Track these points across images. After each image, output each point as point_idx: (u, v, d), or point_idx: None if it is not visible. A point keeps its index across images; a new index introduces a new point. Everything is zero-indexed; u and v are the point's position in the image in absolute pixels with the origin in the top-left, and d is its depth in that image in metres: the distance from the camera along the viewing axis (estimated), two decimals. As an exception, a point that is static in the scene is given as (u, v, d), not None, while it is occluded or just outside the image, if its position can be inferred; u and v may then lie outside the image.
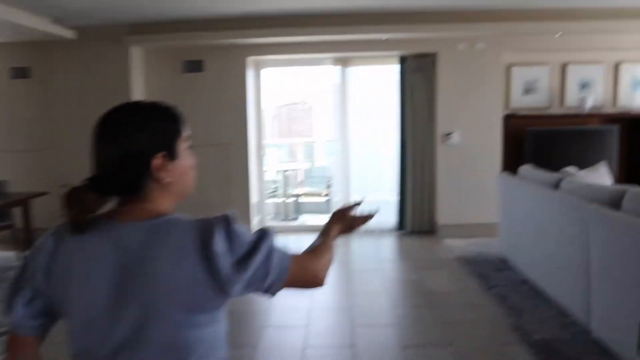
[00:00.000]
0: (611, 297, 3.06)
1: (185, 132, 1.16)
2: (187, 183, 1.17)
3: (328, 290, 4.11)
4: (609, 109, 6.18)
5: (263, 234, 1.11)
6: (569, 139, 5.91)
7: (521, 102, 6.15)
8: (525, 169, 4.74)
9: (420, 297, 4.16)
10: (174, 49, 5.93)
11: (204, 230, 1.04)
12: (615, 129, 5.91)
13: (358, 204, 1.55)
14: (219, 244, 1.03)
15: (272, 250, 1.10)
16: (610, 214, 3.09)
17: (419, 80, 6.00)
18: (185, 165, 1.15)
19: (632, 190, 3.12)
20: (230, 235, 1.05)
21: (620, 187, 3.25)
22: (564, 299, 3.68)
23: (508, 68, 6.07)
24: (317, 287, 1.24)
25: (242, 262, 1.05)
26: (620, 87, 6.18)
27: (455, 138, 5.89)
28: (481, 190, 5.95)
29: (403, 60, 6.00)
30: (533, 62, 6.12)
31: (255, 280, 1.08)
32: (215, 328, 1.10)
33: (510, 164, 5.99)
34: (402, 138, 6.13)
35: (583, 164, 5.84)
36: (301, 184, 8.11)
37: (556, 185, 4.02)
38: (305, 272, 1.20)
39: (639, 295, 2.78)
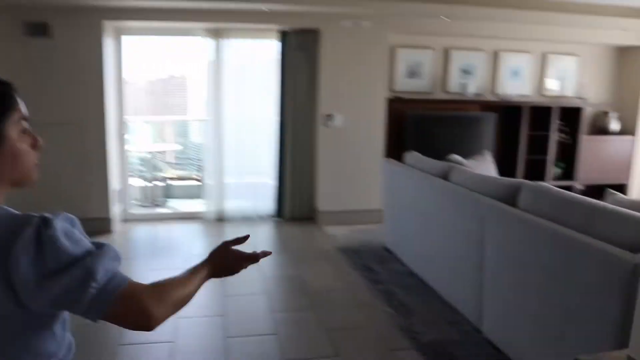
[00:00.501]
0: (504, 296, 2.86)
1: (18, 110, 1.03)
2: (20, 169, 1.05)
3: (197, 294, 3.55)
4: (489, 97, 6.21)
5: (92, 251, 0.98)
6: (449, 124, 5.85)
7: (405, 85, 5.96)
8: (412, 156, 4.51)
9: (302, 297, 3.75)
10: (9, 6, 4.87)
11: (12, 231, 0.93)
12: (493, 117, 5.94)
13: (245, 238, 1.40)
14: (22, 250, 0.91)
15: (95, 271, 0.95)
16: (507, 209, 2.88)
17: (300, 58, 5.56)
18: (17, 149, 1.02)
19: (528, 185, 2.94)
20: (41, 243, 0.92)
21: (516, 181, 3.06)
22: (454, 296, 3.47)
23: (393, 50, 5.84)
24: (146, 330, 1.04)
25: (49, 277, 0.92)
26: (499, 75, 6.23)
27: (338, 120, 5.55)
28: (364, 176, 5.70)
29: (284, 36, 5.51)
30: (418, 45, 5.95)
31: (66, 301, 0.95)
32: (35, 342, 0.98)
33: (393, 148, 5.80)
34: (282, 118, 5.67)
35: (462, 150, 5.80)
36: (172, 166, 7.36)
37: (445, 175, 3.80)
38: (136, 307, 1.01)
39: (533, 295, 2.59)
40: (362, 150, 5.66)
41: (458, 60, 6.06)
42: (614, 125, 6.51)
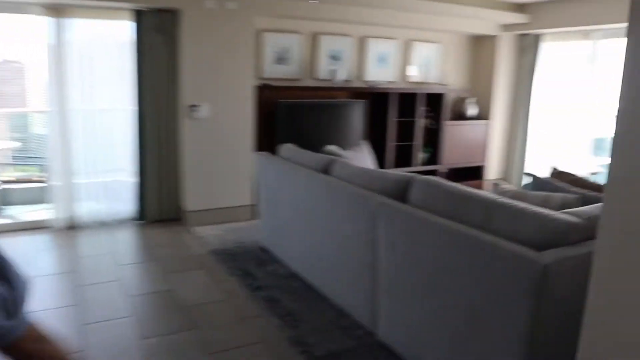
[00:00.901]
0: (400, 298, 2.71)
1: None
2: None
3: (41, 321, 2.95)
4: (357, 83, 6.13)
5: None
6: (320, 112, 5.66)
7: (274, 71, 5.65)
8: (287, 149, 4.22)
9: (177, 316, 3.30)
10: None
11: None
12: (362, 104, 5.87)
13: None
14: None
15: None
16: (398, 206, 2.72)
17: (159, 41, 4.98)
18: None
19: (419, 179, 2.79)
20: None
21: (406, 175, 2.90)
22: (345, 299, 3.27)
23: (260, 34, 5.48)
24: None
25: None
26: (367, 61, 6.16)
27: (203, 110, 5.08)
28: (234, 170, 5.31)
29: (139, 16, 4.89)
30: (285, 29, 5.65)
31: None
32: None
33: (265, 139, 5.48)
34: (140, 109, 5.06)
35: (335, 139, 5.66)
36: (7, 167, 6.34)
37: (326, 169, 3.58)
38: None
39: (432, 296, 2.46)
40: (231, 142, 5.26)
41: (326, 45, 5.88)
42: (472, 110, 6.81)
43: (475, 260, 2.21)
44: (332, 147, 4.10)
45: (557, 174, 3.26)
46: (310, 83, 5.84)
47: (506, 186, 2.94)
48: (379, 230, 2.79)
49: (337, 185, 3.24)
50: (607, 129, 6.78)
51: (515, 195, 2.83)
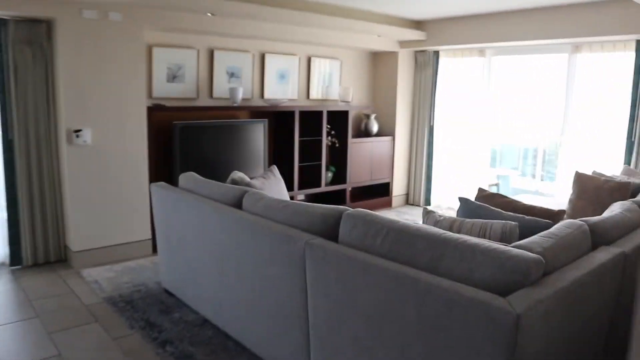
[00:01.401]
0: (341, 351, 2.39)
1: None
2: None
3: None
4: (258, 102, 5.78)
5: None
6: (220, 134, 5.24)
7: (167, 91, 5.15)
8: (188, 178, 3.76)
9: (66, 387, 2.73)
10: None
11: None
12: (264, 123, 5.53)
13: None
14: None
15: None
16: (330, 246, 2.40)
17: (29, 56, 4.29)
18: None
19: (350, 214, 2.50)
20: None
21: (335, 209, 2.60)
22: (268, 351, 2.88)
23: (151, 49, 4.96)
24: None
25: None
26: (267, 78, 5.84)
27: (87, 135, 4.45)
28: (128, 201, 4.71)
29: (4, 25, 4.18)
30: (179, 44, 5.18)
31: None
32: None
33: (161, 166, 4.95)
34: (7, 134, 4.32)
35: (239, 163, 5.28)
36: None
37: (238, 203, 3.19)
38: None
39: (371, 351, 2.17)
40: (122, 171, 4.66)
41: (224, 62, 5.48)
42: (374, 127, 6.73)
43: (426, 309, 1.94)
44: (239, 175, 3.71)
45: (485, 196, 3.15)
46: (208, 102, 5.41)
47: (439, 213, 2.75)
48: (308, 273, 2.46)
49: (254, 223, 2.86)
50: (502, 141, 7.02)
51: (452, 225, 2.64)
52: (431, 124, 6.84)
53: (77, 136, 4.38)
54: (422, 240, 2.18)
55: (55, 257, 4.60)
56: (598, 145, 5.53)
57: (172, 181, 4.60)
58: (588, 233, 2.41)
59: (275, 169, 3.85)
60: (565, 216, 3.21)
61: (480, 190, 3.22)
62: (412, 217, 6.41)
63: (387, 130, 6.91)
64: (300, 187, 5.87)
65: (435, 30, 6.30)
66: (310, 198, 6.16)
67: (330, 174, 6.26)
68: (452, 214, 6.45)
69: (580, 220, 2.47)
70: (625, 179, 4.00)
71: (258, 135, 5.49)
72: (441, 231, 2.22)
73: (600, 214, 2.79)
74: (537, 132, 6.44)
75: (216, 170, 5.00)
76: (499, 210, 2.82)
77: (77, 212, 4.50)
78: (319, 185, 6.05)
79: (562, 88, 5.81)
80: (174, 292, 3.82)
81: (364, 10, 5.59)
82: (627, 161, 5.27)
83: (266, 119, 5.56)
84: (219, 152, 5.17)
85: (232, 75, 5.54)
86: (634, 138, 5.22)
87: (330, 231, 2.55)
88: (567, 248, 2.23)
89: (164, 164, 4.97)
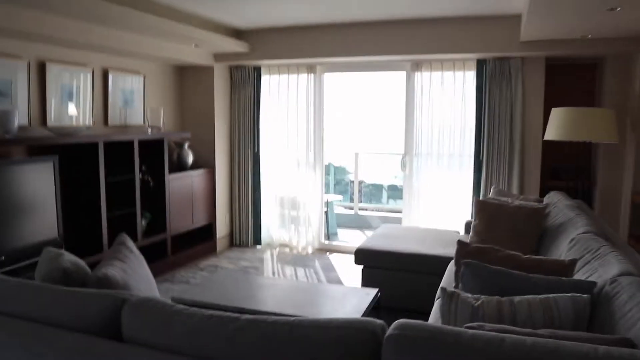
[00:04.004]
0: None
1: None
2: None
3: None
4: (39, 131, 4.04)
5: None
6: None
7: None
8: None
9: None
10: None
11: None
12: (53, 162, 3.85)
13: None
14: None
15: None
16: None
17: None
18: None
19: (134, 302, 1.41)
20: None
21: (110, 296, 1.46)
22: None
23: None
24: None
25: None
26: (49, 97, 4.14)
27: None
28: None
29: None
30: None
31: None
32: None
33: None
34: None
35: (15, 226, 3.58)
36: None
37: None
38: None
39: None
40: None
41: (-15, 74, 3.65)
42: (189, 157, 5.45)
43: None
44: (68, 260, 2.17)
45: (473, 252, 2.32)
46: (-42, 134, 3.51)
47: (465, 294, 1.82)
48: None
49: None
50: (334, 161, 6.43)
51: (501, 310, 1.73)
52: (255, 150, 5.86)
53: None
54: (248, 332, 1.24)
55: None
56: (444, 164, 5.28)
57: None
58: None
59: (125, 237, 2.39)
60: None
61: (462, 244, 2.38)
62: (250, 262, 5.33)
63: (204, 161, 5.69)
64: (112, 244, 4.29)
65: (259, 42, 5.37)
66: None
67: (144, 222, 4.78)
68: (286, 251, 5.60)
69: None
70: (535, 203, 3.65)
71: (44, 181, 3.79)
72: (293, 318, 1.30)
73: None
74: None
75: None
76: (517, 271, 2.02)
77: None
78: (134, 239, 4.54)
79: (402, 106, 5.45)
80: None
81: (176, 8, 4.35)
82: (477, 179, 5.11)
83: (56, 155, 3.88)
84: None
85: (-4, 93, 3.73)
86: (482, 157, 5.08)
87: (109, 328, 1.41)
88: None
89: None
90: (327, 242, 6.07)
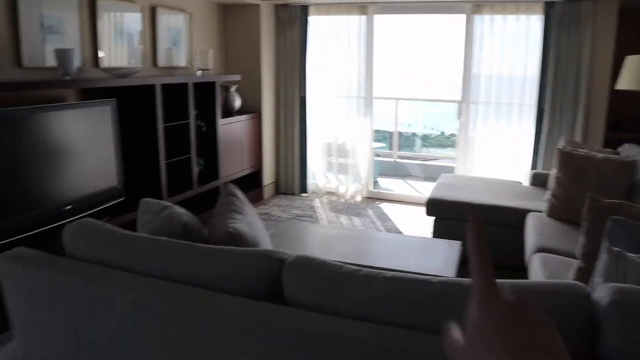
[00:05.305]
0: None
1: None
2: None
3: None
4: (93, 73, 3.82)
5: None
6: (39, 126, 3.24)
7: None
8: (97, 233, 1.94)
9: None
10: None
11: None
12: (111, 106, 3.64)
13: None
14: None
15: None
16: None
17: None
18: None
19: (290, 263, 1.25)
20: None
21: (264, 252, 1.31)
22: None
23: None
24: None
25: None
26: (101, 36, 3.89)
27: None
28: None
29: None
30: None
31: None
32: None
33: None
34: None
35: (71, 174, 3.42)
36: None
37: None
38: None
39: None
40: None
41: (34, 9, 3.38)
42: (237, 102, 5.22)
43: None
44: (184, 215, 2.01)
45: (607, 207, 2.15)
46: (12, 75, 3.28)
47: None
48: None
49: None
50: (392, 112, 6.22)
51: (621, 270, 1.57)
52: (302, 95, 5.62)
53: None
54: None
55: None
56: (503, 113, 5.05)
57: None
58: None
59: (234, 188, 2.19)
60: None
61: (594, 199, 2.20)
62: (303, 211, 5.20)
63: (251, 106, 5.47)
64: (170, 195, 4.14)
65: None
66: (181, 204, 4.45)
67: (197, 169, 4.62)
68: (334, 199, 5.42)
69: None
70: (624, 157, 3.45)
71: (103, 126, 3.60)
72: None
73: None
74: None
75: (33, 193, 3.07)
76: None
77: None
78: (190, 187, 4.39)
79: (460, 53, 5.16)
80: None
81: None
82: (538, 129, 4.90)
83: (114, 99, 3.68)
84: (38, 159, 3.16)
85: (48, 28, 3.48)
86: (544, 106, 4.84)
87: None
88: None
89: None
90: (375, 190, 5.92)
